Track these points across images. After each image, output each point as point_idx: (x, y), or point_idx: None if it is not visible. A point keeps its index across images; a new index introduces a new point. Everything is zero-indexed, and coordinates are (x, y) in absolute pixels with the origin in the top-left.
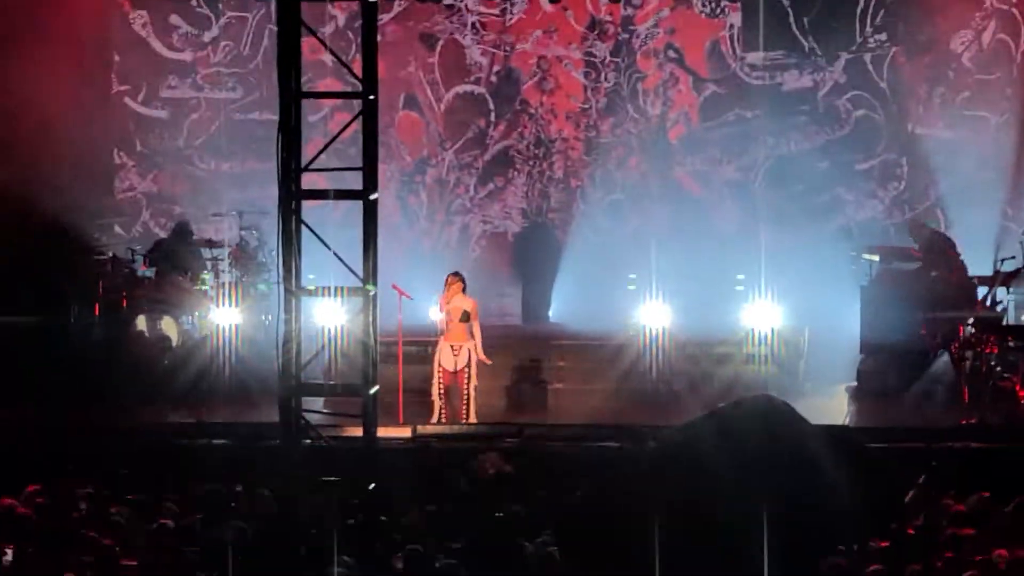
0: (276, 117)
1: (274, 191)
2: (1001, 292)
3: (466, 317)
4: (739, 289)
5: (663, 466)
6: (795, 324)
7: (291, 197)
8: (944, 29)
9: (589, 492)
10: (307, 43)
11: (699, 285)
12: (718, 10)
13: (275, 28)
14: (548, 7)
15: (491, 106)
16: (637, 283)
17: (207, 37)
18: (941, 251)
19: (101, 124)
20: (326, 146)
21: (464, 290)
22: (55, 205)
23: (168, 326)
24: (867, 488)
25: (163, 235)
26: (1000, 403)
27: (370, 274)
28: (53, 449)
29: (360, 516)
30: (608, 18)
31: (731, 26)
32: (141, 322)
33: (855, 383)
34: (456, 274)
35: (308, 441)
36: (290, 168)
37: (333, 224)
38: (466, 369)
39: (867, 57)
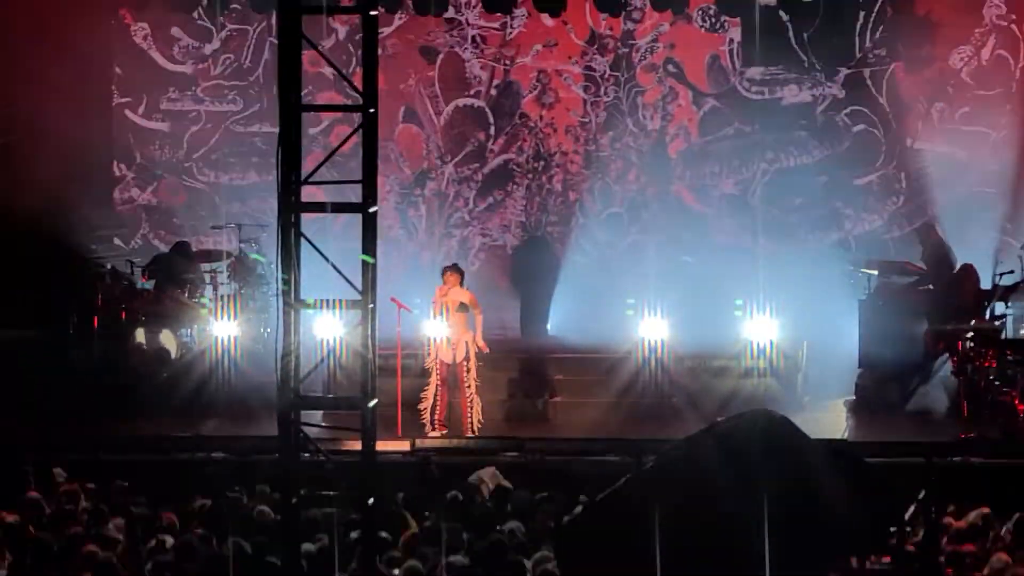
0: (276, 130)
1: (274, 203)
2: (1000, 306)
3: (463, 308)
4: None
5: (663, 480)
6: (793, 338)
7: (290, 210)
8: (943, 45)
9: (588, 507)
10: (307, 56)
11: (697, 298)
12: (718, 25)
13: (275, 41)
14: (548, 21)
15: (491, 119)
16: (636, 297)
17: (208, 49)
18: (942, 262)
19: (101, 136)
20: (326, 159)
21: (461, 282)
22: (54, 216)
23: (167, 339)
24: (867, 503)
25: (162, 247)
26: (999, 417)
27: (369, 287)
28: (52, 462)
29: (359, 531)
30: (608, 32)
31: (731, 41)
32: (140, 335)
33: (853, 397)
34: (453, 267)
35: (307, 455)
36: (290, 181)
37: (332, 237)
38: (465, 363)
39: (866, 72)
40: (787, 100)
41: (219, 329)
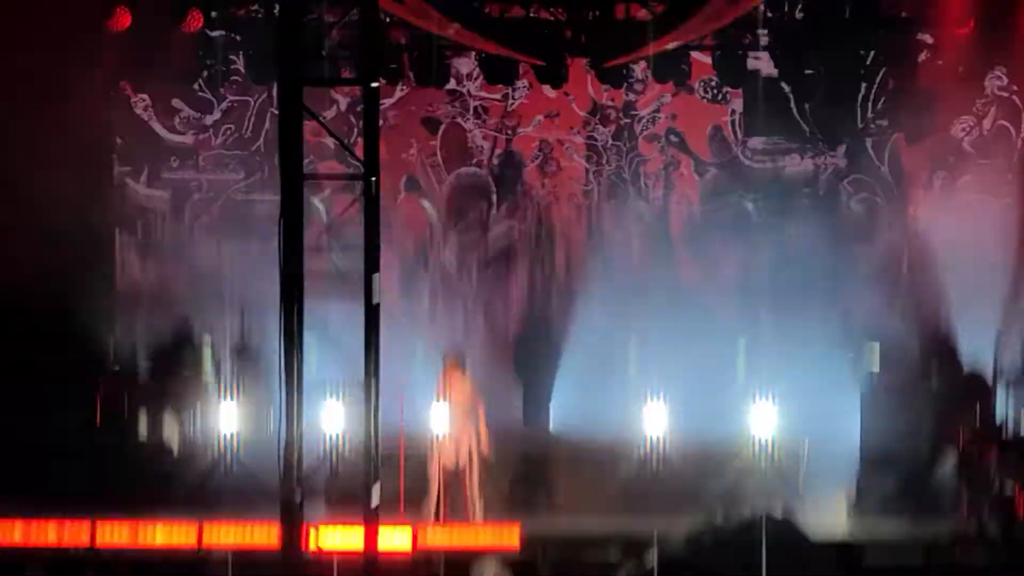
0: (278, 198)
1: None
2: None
3: (463, 399)
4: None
5: None
6: (795, 431)
7: (292, 282)
8: (945, 115)
9: None
10: (309, 127)
11: (700, 381)
12: (720, 95)
13: (277, 112)
14: (550, 93)
15: (493, 190)
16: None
17: (209, 120)
18: (943, 357)
19: (103, 208)
20: (327, 230)
21: (463, 371)
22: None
23: (169, 424)
24: None
25: (164, 327)
26: (1000, 513)
27: (372, 366)
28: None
29: None
30: (610, 103)
31: (732, 111)
32: (141, 419)
33: (855, 491)
34: (455, 354)
35: (309, 546)
36: (291, 252)
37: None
38: (467, 467)
39: (868, 142)
40: (789, 170)
41: (222, 417)
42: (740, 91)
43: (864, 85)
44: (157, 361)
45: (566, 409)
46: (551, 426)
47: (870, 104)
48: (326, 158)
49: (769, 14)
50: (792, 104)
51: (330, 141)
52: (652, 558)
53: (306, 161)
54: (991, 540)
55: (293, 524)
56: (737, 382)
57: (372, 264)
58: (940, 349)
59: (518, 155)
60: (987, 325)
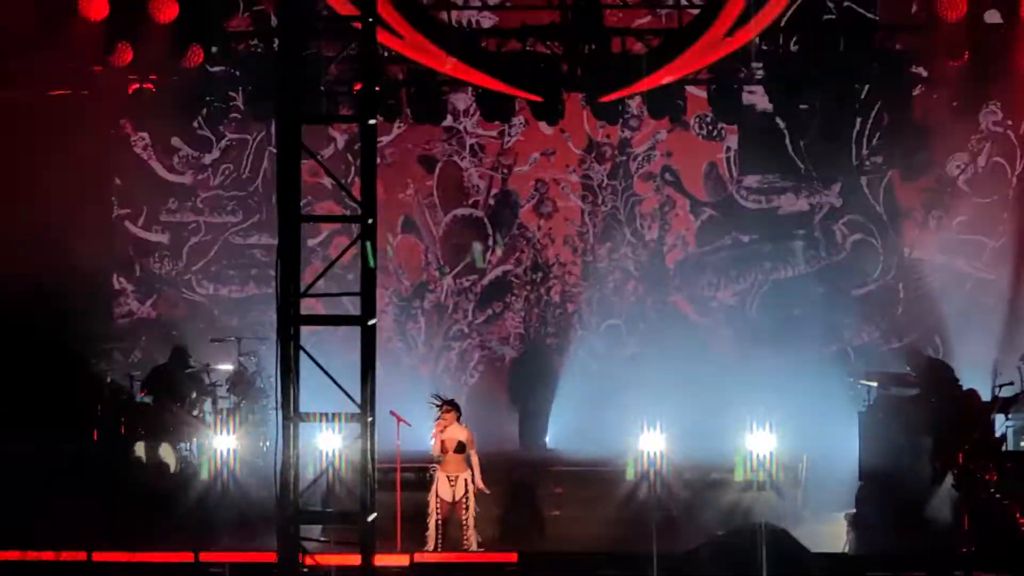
0: (275, 241)
1: (273, 316)
2: (1000, 418)
3: (461, 448)
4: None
5: None
6: (793, 450)
7: (289, 322)
8: (940, 152)
9: None
10: (306, 165)
11: (697, 410)
12: (715, 132)
13: (275, 150)
14: (546, 130)
15: (489, 230)
16: (634, 409)
17: (207, 159)
18: (939, 378)
19: (101, 248)
20: (324, 271)
21: (459, 418)
22: (53, 330)
23: (166, 453)
24: None
25: (161, 361)
26: (999, 530)
27: (368, 400)
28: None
29: None
30: (606, 140)
31: (728, 148)
32: (139, 448)
33: (854, 510)
34: (451, 403)
35: (306, 570)
36: (289, 293)
37: (331, 349)
38: (464, 500)
39: (863, 180)
40: (784, 209)
41: (218, 443)
42: (735, 127)
43: (859, 120)
44: (154, 388)
45: (563, 433)
46: (548, 449)
47: (865, 140)
48: (324, 198)
49: (764, 47)
50: (787, 140)
51: (328, 181)
52: None
53: (304, 201)
54: (991, 556)
55: (289, 546)
56: (734, 405)
57: (369, 307)
58: (933, 376)
59: (514, 195)
60: (985, 346)
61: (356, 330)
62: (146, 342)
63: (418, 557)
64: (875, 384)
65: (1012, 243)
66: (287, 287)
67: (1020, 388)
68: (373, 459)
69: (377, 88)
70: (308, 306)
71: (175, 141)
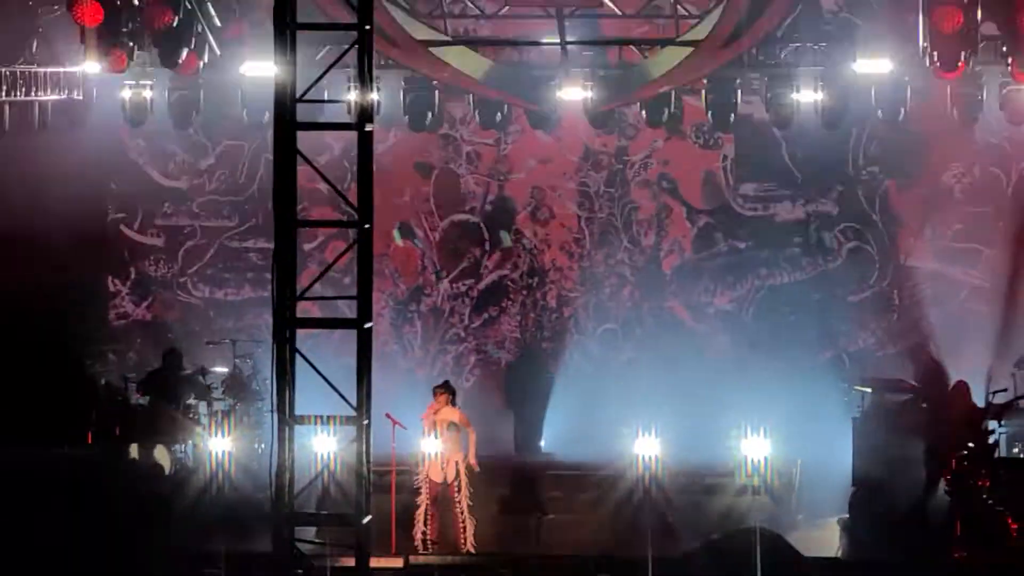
0: (271, 245)
1: (268, 319)
2: (993, 424)
3: (454, 428)
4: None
5: None
6: (787, 455)
7: (285, 325)
8: (936, 162)
9: None
10: (303, 171)
11: (692, 415)
12: (712, 141)
13: (271, 156)
14: (543, 138)
15: (485, 235)
16: (630, 413)
17: (203, 164)
18: (936, 381)
19: (96, 251)
20: (320, 275)
21: (452, 401)
22: (48, 333)
23: (161, 455)
24: None
25: (156, 364)
26: (992, 537)
27: (364, 403)
28: None
29: None
30: (602, 149)
31: (724, 157)
32: (134, 450)
33: (847, 515)
34: (443, 386)
35: (301, 572)
36: (285, 297)
37: (327, 352)
38: (456, 482)
39: (859, 189)
40: (780, 216)
41: (214, 445)
42: (732, 136)
43: (855, 131)
44: (150, 391)
45: (558, 437)
46: (543, 453)
47: (861, 150)
48: (320, 203)
49: (760, 57)
50: (783, 150)
51: (324, 186)
52: None
53: (300, 207)
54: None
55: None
56: (729, 409)
57: (365, 311)
58: (932, 377)
59: (511, 202)
60: (979, 354)
61: (352, 333)
62: (141, 344)
63: (413, 560)
64: (869, 390)
65: (1006, 252)
66: (283, 290)
67: (1014, 395)
68: (368, 462)
69: (374, 95)
70: (304, 309)
71: (171, 147)
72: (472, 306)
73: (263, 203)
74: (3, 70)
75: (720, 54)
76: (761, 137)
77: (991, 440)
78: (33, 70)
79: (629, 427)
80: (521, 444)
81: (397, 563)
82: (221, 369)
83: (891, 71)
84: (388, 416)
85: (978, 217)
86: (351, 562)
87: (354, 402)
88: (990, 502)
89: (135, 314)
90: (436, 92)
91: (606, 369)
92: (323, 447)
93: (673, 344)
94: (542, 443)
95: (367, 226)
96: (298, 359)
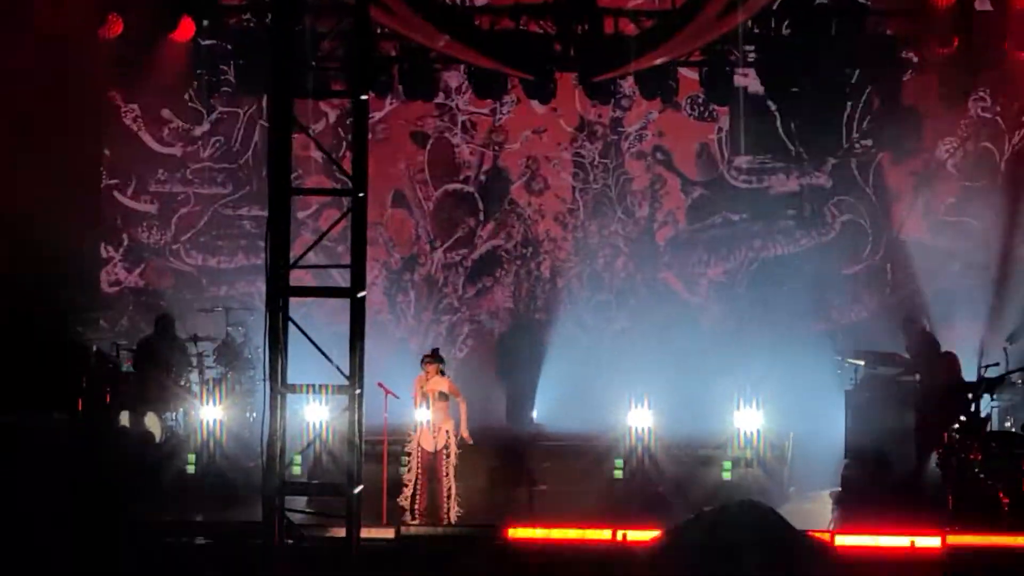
0: (265, 213)
1: (261, 287)
2: (985, 398)
3: (444, 397)
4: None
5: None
6: (780, 428)
7: (279, 294)
8: (929, 136)
9: None
10: (298, 139)
11: (685, 386)
12: (706, 113)
13: (266, 124)
14: (538, 108)
15: (480, 205)
16: (622, 384)
17: (198, 131)
18: (928, 353)
19: (89, 217)
20: (314, 244)
21: (442, 371)
22: (40, 299)
23: (151, 423)
24: None
25: (148, 331)
26: (983, 510)
27: (356, 372)
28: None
29: None
30: (597, 119)
31: (719, 129)
32: (124, 418)
33: (839, 488)
34: (432, 355)
35: (291, 541)
36: (278, 265)
37: (320, 321)
38: (444, 451)
39: (853, 162)
40: (775, 189)
41: (205, 413)
42: (727, 108)
43: (849, 104)
44: (141, 357)
45: (550, 408)
46: (535, 424)
47: (855, 123)
48: (314, 172)
49: (756, 30)
50: (778, 123)
51: (318, 154)
52: None
53: (294, 175)
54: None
55: (274, 517)
56: (722, 381)
57: (359, 280)
58: (924, 350)
59: (505, 172)
60: (972, 328)
61: (345, 302)
62: (133, 311)
63: (404, 530)
64: (862, 363)
65: (999, 226)
66: (277, 259)
67: (1006, 369)
68: (360, 431)
69: (369, 64)
70: (297, 278)
71: (165, 113)
72: (466, 276)
73: (257, 171)
74: None
75: (716, 26)
76: (755, 110)
77: (983, 414)
78: None
79: (622, 398)
80: (513, 415)
81: (388, 533)
82: (213, 337)
83: (886, 46)
84: (380, 385)
85: (971, 191)
86: (342, 532)
87: (347, 371)
88: (982, 476)
89: (127, 281)
90: (432, 62)
91: (599, 339)
92: (315, 416)
93: (667, 315)
94: (534, 414)
95: (361, 195)
96: (291, 327)
